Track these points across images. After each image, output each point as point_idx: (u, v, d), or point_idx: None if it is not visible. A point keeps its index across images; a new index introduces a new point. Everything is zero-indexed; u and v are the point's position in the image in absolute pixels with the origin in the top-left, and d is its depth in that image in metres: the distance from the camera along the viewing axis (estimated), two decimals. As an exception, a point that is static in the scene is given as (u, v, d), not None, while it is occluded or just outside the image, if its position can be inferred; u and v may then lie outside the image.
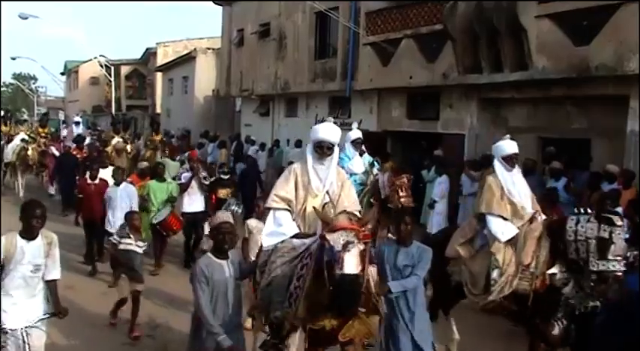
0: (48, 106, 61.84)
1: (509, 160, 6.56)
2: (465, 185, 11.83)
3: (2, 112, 30.05)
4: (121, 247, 7.52)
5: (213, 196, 11.12)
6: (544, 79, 10.96)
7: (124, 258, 7.49)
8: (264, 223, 5.73)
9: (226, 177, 11.67)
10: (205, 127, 26.67)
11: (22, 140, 17.86)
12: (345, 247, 4.24)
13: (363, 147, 10.56)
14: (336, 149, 5.48)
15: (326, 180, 5.38)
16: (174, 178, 12.38)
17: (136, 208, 9.41)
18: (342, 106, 18.08)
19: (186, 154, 16.73)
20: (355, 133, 10.25)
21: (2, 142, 18.91)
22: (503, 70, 11.64)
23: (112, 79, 37.64)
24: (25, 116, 29.12)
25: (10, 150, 17.90)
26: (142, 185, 10.70)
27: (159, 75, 38.40)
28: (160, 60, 37.31)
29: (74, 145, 17.67)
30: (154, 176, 10.74)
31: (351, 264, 4.21)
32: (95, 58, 37.94)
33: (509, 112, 12.83)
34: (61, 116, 33.75)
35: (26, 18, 32.07)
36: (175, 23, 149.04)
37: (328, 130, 5.45)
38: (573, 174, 10.19)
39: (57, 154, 17.61)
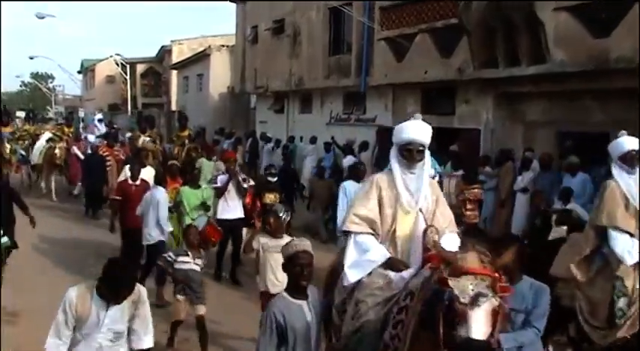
0: (65, 105, 62.39)
1: (629, 160, 5.41)
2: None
3: (23, 113, 30.00)
4: (178, 266, 6.57)
5: (258, 202, 10.09)
6: (562, 73, 10.79)
7: (181, 278, 6.54)
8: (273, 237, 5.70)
9: (274, 179, 10.40)
10: (220, 124, 26.71)
11: (49, 140, 17.42)
12: (475, 300, 3.07)
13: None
14: (427, 153, 4.48)
15: (418, 193, 4.33)
16: (209, 181, 12.00)
17: (164, 214, 8.63)
18: (356, 102, 18.01)
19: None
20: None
21: (27, 143, 18.64)
22: (520, 64, 11.49)
23: (128, 77, 37.91)
24: (51, 114, 28.03)
25: (37, 151, 17.43)
26: (174, 189, 9.79)
27: (174, 73, 38.54)
28: (175, 58, 37.45)
29: (96, 142, 16.76)
30: (187, 179, 9.84)
31: (480, 325, 3.07)
32: (111, 56, 38.24)
33: (527, 107, 12.67)
34: (81, 114, 33.82)
35: (43, 17, 32.43)
36: (190, 21, 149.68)
37: (418, 129, 4.40)
38: (591, 169, 10.03)
39: (78, 153, 17.03)
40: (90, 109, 43.01)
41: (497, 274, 3.20)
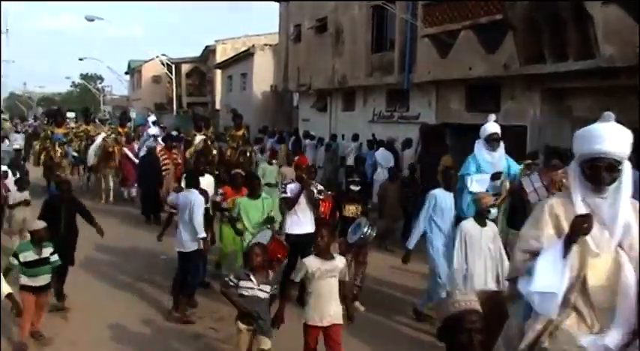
0: (113, 105, 63.80)
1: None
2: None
3: (73, 113, 29.95)
4: (240, 291, 5.52)
5: (337, 214, 8.67)
6: (611, 68, 10.52)
7: (244, 307, 5.50)
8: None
9: (356, 188, 8.69)
10: (264, 122, 26.95)
11: (105, 139, 16.90)
12: None
13: (501, 148, 8.31)
14: (628, 167, 3.31)
15: (614, 225, 3.23)
16: (271, 185, 11.48)
17: (199, 220, 7.80)
18: (399, 99, 17.92)
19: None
20: (492, 127, 8.23)
21: (83, 143, 18.21)
22: (567, 59, 11.26)
23: (174, 77, 38.52)
24: (106, 115, 25.44)
25: (92, 152, 17.05)
26: (232, 200, 8.84)
27: (218, 72, 39.02)
28: (219, 57, 37.91)
29: (152, 144, 16.00)
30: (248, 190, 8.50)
31: None
32: (157, 57, 38.89)
33: (574, 103, 12.40)
34: (133, 114, 33.76)
35: (92, 20, 33.15)
36: (234, 21, 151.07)
37: (613, 136, 3.29)
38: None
39: (130, 155, 16.69)
40: (136, 109, 43.79)
41: None
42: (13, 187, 11.45)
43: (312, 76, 22.36)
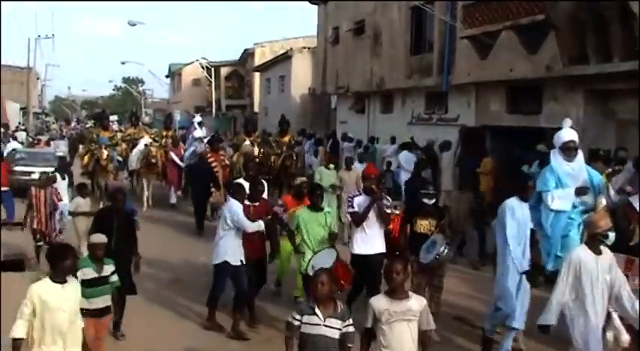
0: (154, 108, 64.85)
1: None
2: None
3: (116, 116, 29.94)
4: (303, 329, 4.47)
5: (407, 229, 7.58)
6: (657, 68, 10.26)
7: (308, 346, 4.43)
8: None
9: (430, 201, 7.49)
10: (302, 125, 27.01)
11: (147, 145, 16.45)
12: None
13: (580, 156, 7.52)
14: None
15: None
16: (328, 190, 10.76)
17: (245, 224, 7.12)
18: (438, 101, 17.78)
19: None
20: (568, 134, 7.49)
21: (124, 146, 17.76)
22: (612, 60, 11.01)
23: (213, 80, 38.93)
24: (147, 118, 23.25)
25: (135, 156, 16.76)
26: (292, 212, 8.10)
27: (257, 75, 39.29)
28: (258, 60, 38.16)
29: (202, 148, 15.38)
30: (308, 201, 7.75)
31: None
32: (197, 60, 39.39)
33: (619, 105, 12.11)
34: (177, 116, 33.54)
35: (134, 25, 33.80)
36: (272, 24, 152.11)
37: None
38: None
39: (176, 159, 16.30)
40: (178, 111, 44.39)
41: None
42: (64, 191, 11.40)
43: (350, 78, 22.34)
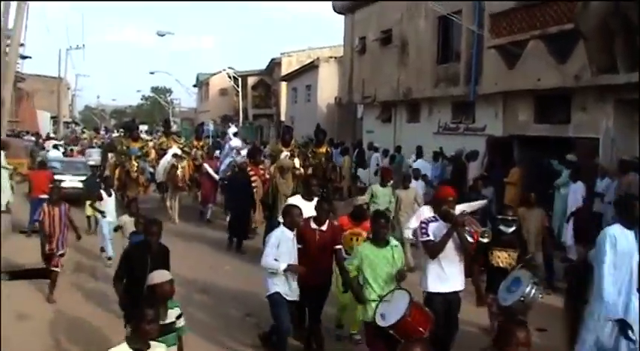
0: (181, 117, 65.57)
1: None
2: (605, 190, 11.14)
3: (146, 126, 29.31)
4: None
5: (481, 260, 6.68)
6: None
7: None
8: None
9: (509, 229, 6.65)
10: (328, 134, 27.03)
11: (175, 155, 15.57)
12: None
13: None
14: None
15: None
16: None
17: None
18: (465, 111, 17.68)
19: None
20: None
21: (154, 156, 16.72)
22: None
23: (240, 89, 39.22)
24: (175, 126, 20.65)
25: (162, 168, 15.83)
26: (353, 235, 7.29)
27: (283, 84, 39.55)
28: (285, 70, 38.41)
29: (240, 159, 14.17)
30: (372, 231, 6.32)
31: None
32: (224, 70, 39.74)
33: (650, 114, 11.93)
34: (210, 126, 31.67)
35: (163, 35, 34.29)
36: (299, 33, 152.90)
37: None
38: None
39: (211, 172, 15.59)
40: (206, 120, 44.78)
41: None
42: (111, 209, 11.20)
43: (376, 87, 22.35)
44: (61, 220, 9.04)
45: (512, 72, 14.49)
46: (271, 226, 9.92)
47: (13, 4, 16.15)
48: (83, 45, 46.98)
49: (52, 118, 51.96)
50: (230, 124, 20.51)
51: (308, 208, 6.94)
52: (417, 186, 12.98)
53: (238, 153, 15.16)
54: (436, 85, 18.53)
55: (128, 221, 9.32)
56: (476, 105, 16.96)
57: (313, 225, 6.59)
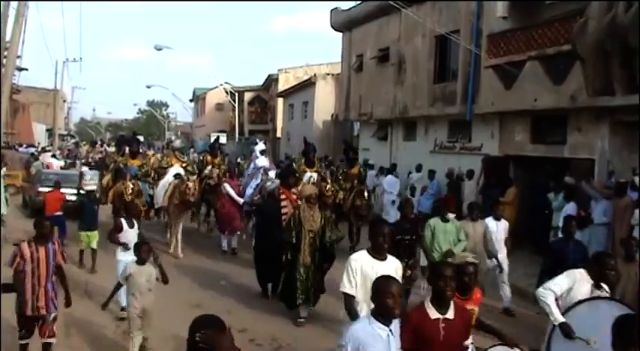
0: (177, 131, 65.59)
1: None
2: (595, 212, 11.14)
3: (142, 137, 25.79)
4: None
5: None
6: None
7: None
8: None
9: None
10: (324, 151, 27.07)
11: (178, 175, 13.49)
12: None
13: None
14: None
15: None
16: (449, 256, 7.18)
17: None
18: (462, 130, 17.73)
19: None
20: None
21: (145, 177, 14.28)
22: (638, 92, 10.92)
23: (236, 104, 39.25)
24: (178, 142, 17.04)
25: (161, 190, 13.68)
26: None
27: (280, 100, 39.65)
28: (281, 86, 38.55)
29: (273, 184, 11.95)
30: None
31: None
32: (221, 85, 39.78)
33: (646, 136, 11.98)
34: (223, 139, 27.47)
35: (160, 49, 34.27)
36: (296, 50, 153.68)
37: None
38: None
39: (232, 194, 13.27)
40: (199, 136, 44.77)
41: None
42: (132, 241, 8.39)
43: (373, 105, 22.41)
44: (48, 266, 6.33)
45: (509, 92, 14.56)
46: (290, 276, 8.65)
47: (11, 17, 16.17)
48: (80, 58, 47.07)
49: (47, 130, 51.87)
50: (257, 140, 16.25)
51: (382, 272, 4.80)
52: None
53: (266, 174, 13.20)
54: (433, 103, 18.59)
55: (136, 271, 6.93)
56: (472, 124, 17.00)
57: (432, 311, 4.23)
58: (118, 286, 7.15)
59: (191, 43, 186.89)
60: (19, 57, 20.29)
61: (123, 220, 9.14)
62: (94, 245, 11.88)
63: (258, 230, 10.77)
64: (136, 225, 9.24)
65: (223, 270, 12.05)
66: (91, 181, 15.87)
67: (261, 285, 10.14)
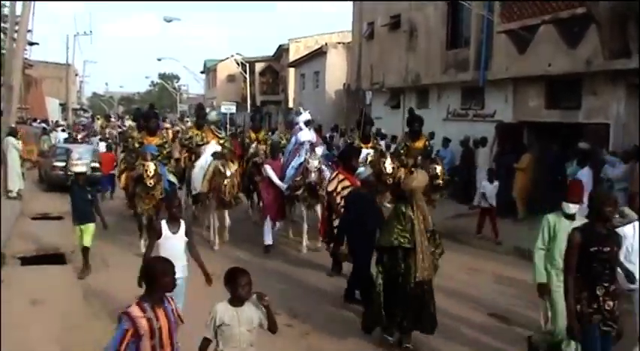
0: (189, 104, 65.63)
1: None
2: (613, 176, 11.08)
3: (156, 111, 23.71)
4: None
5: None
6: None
7: None
8: None
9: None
10: (336, 120, 27.02)
11: (215, 154, 11.50)
12: None
13: None
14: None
15: None
16: None
17: None
18: (475, 96, 17.58)
19: None
20: None
21: (185, 155, 12.94)
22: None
23: (248, 75, 39.15)
24: (213, 114, 14.26)
25: (199, 172, 11.54)
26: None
27: (291, 70, 39.45)
28: (292, 56, 38.33)
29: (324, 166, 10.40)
30: None
31: None
32: (232, 56, 39.67)
33: (662, 99, 11.83)
34: (233, 109, 26.65)
35: (170, 21, 34.19)
36: (307, 19, 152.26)
37: None
38: None
39: (273, 177, 10.99)
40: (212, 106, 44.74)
41: None
42: (179, 251, 6.08)
43: (385, 73, 22.25)
44: (172, 336, 4.02)
45: (523, 57, 14.38)
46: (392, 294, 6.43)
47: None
48: (90, 31, 46.98)
49: (60, 105, 52.10)
50: (300, 109, 12.97)
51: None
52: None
53: (313, 150, 10.73)
54: (445, 70, 18.42)
55: (232, 318, 4.35)
56: (485, 91, 16.85)
57: None
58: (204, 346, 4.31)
59: (201, 14, 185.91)
60: (29, 31, 20.30)
61: (163, 223, 6.28)
62: (87, 242, 9.38)
63: (346, 229, 7.92)
64: (182, 227, 6.29)
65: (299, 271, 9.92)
66: (80, 161, 11.68)
67: (348, 292, 8.17)
